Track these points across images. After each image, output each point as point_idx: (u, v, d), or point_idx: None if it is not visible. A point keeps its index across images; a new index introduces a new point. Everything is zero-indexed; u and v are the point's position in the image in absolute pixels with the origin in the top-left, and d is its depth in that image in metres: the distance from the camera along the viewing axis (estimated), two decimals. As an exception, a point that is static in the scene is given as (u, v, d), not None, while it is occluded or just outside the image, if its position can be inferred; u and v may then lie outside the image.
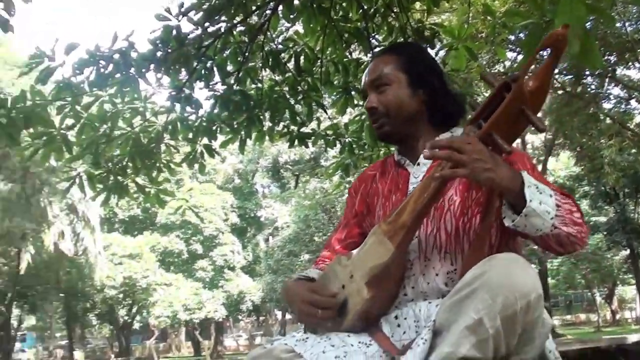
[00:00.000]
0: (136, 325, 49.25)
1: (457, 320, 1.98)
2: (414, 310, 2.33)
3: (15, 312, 42.34)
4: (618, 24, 18.69)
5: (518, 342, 1.99)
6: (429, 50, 6.21)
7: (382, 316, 2.38)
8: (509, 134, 2.14)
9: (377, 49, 5.82)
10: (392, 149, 2.78)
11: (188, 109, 6.24)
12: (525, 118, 2.09)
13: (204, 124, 6.36)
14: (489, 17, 6.29)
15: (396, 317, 2.36)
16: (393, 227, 2.26)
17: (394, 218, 2.27)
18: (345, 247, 2.70)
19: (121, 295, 40.02)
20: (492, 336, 1.92)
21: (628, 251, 37.10)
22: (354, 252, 2.45)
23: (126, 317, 45.10)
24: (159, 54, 5.61)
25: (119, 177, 6.40)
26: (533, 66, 2.20)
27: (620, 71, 22.80)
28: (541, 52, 2.24)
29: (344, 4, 6.35)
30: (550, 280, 41.90)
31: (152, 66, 5.64)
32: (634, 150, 21.26)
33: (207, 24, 5.82)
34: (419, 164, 2.54)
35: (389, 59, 2.62)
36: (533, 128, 2.16)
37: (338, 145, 7.19)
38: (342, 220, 2.82)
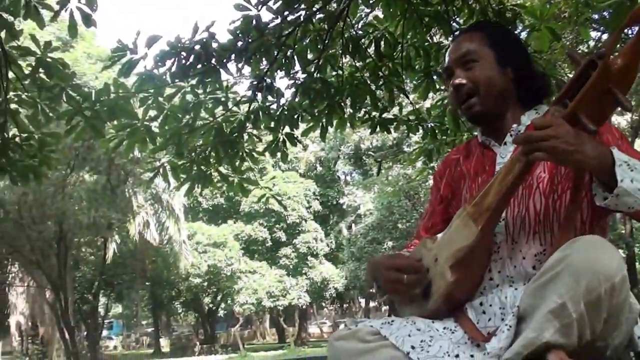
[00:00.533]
0: (221, 313, 49.80)
1: (540, 305, 1.95)
2: (499, 297, 2.29)
3: (102, 300, 43.31)
4: None
5: (604, 327, 1.95)
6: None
7: (467, 301, 2.35)
8: (595, 113, 2.07)
9: (458, 32, 5.76)
10: (475, 133, 2.72)
11: (269, 98, 6.28)
12: (612, 97, 2.01)
13: (286, 112, 6.38)
14: (572, -4, 6.14)
15: (481, 304, 2.32)
16: (478, 209, 2.24)
17: (478, 200, 2.25)
18: (434, 233, 2.64)
19: (206, 284, 40.43)
20: (576, 320, 1.88)
21: None
22: (439, 235, 2.44)
23: (211, 305, 45.62)
24: (239, 44, 5.65)
25: (202, 167, 6.47)
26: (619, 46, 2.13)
27: None
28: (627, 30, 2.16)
29: (424, -13, 6.29)
30: (637, 266, 41.09)
31: (232, 56, 5.67)
32: None
33: (286, 13, 5.83)
34: (505, 144, 2.49)
35: (473, 36, 2.57)
36: (620, 108, 2.08)
37: (420, 131, 7.13)
38: (428, 208, 2.80)
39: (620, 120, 35.09)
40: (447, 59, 2.61)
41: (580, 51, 18.69)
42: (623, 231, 35.01)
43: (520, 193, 2.33)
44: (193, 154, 6.45)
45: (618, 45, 2.12)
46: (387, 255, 2.48)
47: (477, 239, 2.21)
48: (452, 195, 2.65)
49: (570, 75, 2.15)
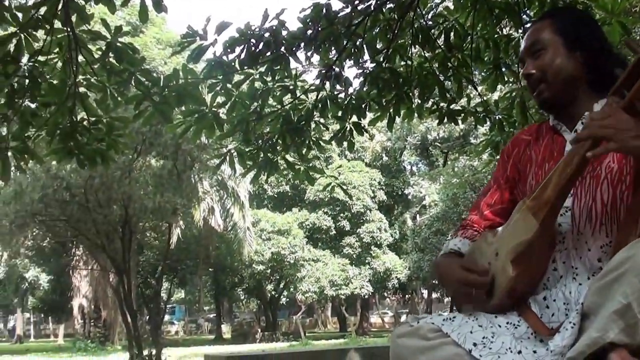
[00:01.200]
0: (283, 300, 49.99)
1: (605, 304, 1.94)
2: (563, 292, 2.27)
3: (165, 285, 43.77)
4: None
5: None
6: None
7: (530, 294, 2.33)
8: None
9: (529, 24, 5.70)
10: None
11: (337, 87, 6.29)
12: None
13: (353, 101, 6.39)
14: (644, -9, 6.05)
15: (545, 298, 2.30)
16: (537, 202, 2.22)
17: (538, 193, 2.24)
18: (494, 212, 2.65)
19: (269, 271, 40.61)
20: None
21: None
22: (500, 229, 2.43)
23: (273, 292, 45.83)
24: (308, 32, 5.66)
25: (269, 154, 6.50)
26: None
27: None
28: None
29: (496, -21, 6.24)
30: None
31: (302, 44, 5.69)
32: None
33: (356, 2, 5.83)
34: (576, 131, 2.44)
35: (544, 24, 2.56)
36: None
37: (488, 123, 7.10)
38: (490, 183, 2.76)
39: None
40: (520, 51, 2.62)
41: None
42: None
43: (588, 183, 2.32)
44: (260, 141, 6.50)
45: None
46: (457, 262, 2.44)
47: (537, 232, 2.20)
48: (518, 178, 2.62)
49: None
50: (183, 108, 5.87)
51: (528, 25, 2.57)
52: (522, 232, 2.24)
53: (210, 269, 43.80)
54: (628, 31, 5.80)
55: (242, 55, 5.60)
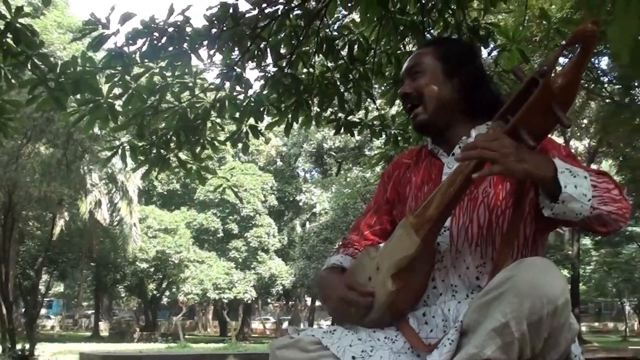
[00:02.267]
0: (164, 301, 49.60)
1: (484, 322, 1.98)
2: (442, 310, 2.32)
3: (44, 277, 42.83)
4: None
5: (544, 346, 2.00)
6: (482, 49, 6.19)
7: (409, 311, 2.38)
8: (536, 129, 2.12)
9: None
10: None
11: (237, 88, 6.25)
12: (553, 114, 2.06)
13: (252, 104, 6.35)
14: (544, 22, 6.22)
15: (424, 314, 2.35)
16: (420, 220, 2.25)
17: (421, 211, 2.26)
18: (374, 233, 2.71)
19: (152, 269, 40.30)
20: (517, 339, 1.93)
21: (662, 264, 37.18)
22: (382, 244, 2.47)
23: (155, 292, 45.46)
24: (213, 31, 5.61)
25: (162, 151, 6.42)
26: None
27: (671, 85, 22.69)
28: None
29: (402, -3, 6.32)
30: (581, 287, 41.90)
31: (205, 42, 5.64)
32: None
33: (264, 5, 5.82)
34: (453, 154, 2.52)
35: (427, 49, 2.67)
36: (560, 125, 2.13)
37: (383, 136, 7.18)
38: (371, 204, 2.82)
39: (578, 145, 35.64)
40: (402, 71, 2.69)
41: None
42: (570, 252, 35.67)
43: (466, 205, 2.38)
44: (154, 136, 6.40)
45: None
46: (340, 280, 2.49)
47: (418, 249, 2.24)
48: (398, 200, 2.67)
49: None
50: (78, 96, 5.74)
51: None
52: (403, 248, 2.27)
53: (92, 264, 43.15)
54: (526, 58, 5.95)
55: (144, 48, 5.51)
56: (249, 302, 46.22)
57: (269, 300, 56.52)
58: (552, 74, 2.07)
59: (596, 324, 60.67)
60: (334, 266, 2.63)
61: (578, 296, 35.24)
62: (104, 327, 52.54)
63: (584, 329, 48.79)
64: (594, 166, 35.54)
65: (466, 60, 2.61)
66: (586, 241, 39.90)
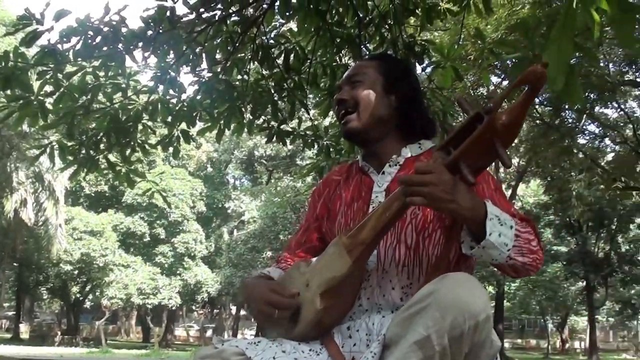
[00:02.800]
0: (87, 304, 48.99)
1: (406, 336, 2.01)
2: (367, 323, 2.35)
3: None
4: (602, 64, 19.05)
5: None
6: (417, 65, 6.25)
7: (335, 326, 2.39)
8: (476, 164, 2.14)
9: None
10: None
11: (171, 91, 6.19)
12: (494, 151, 2.08)
13: (185, 108, 6.31)
14: (479, 41, 6.31)
15: (348, 328, 2.38)
16: (353, 241, 2.26)
17: (354, 232, 2.27)
18: (304, 250, 2.73)
19: (76, 272, 39.68)
20: (438, 353, 1.95)
21: (584, 283, 38.16)
22: (314, 260, 2.47)
23: (78, 295, 44.83)
24: (149, 32, 5.56)
25: (92, 152, 6.34)
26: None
27: (598, 109, 23.25)
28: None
29: (340, 9, 6.35)
30: (505, 303, 42.48)
31: (140, 44, 5.58)
32: (602, 187, 21.73)
33: (202, 10, 5.79)
34: (383, 173, 2.55)
35: (371, 62, 2.71)
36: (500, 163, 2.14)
37: (315, 147, 7.19)
38: (303, 223, 2.84)
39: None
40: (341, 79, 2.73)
41: (479, 93, 19.25)
42: (496, 269, 36.17)
43: (394, 225, 2.38)
44: (84, 137, 6.32)
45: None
46: (265, 283, 2.46)
47: (349, 270, 2.25)
48: (328, 216, 2.68)
49: (463, 117, 2.21)
50: (9, 92, 5.63)
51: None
52: (335, 268, 2.28)
53: (14, 264, 42.24)
54: (460, 76, 6.04)
55: (78, 47, 5.43)
56: (174, 308, 45.86)
57: (193, 308, 56.08)
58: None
59: (519, 340, 61.60)
60: (262, 275, 2.62)
61: (502, 313, 35.74)
62: (24, 330, 51.56)
63: (507, 345, 49.45)
64: (522, 185, 36.22)
65: (406, 79, 2.65)
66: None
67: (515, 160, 34.77)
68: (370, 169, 2.60)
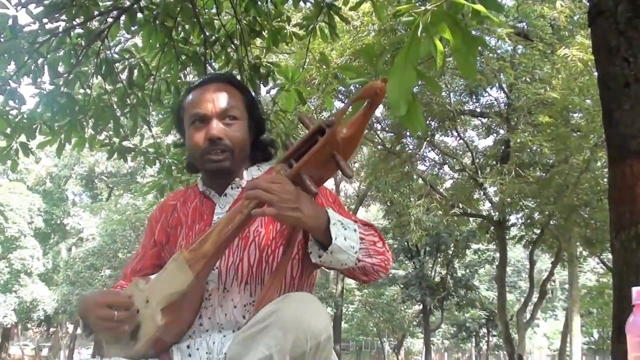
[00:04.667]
0: None
1: (248, 354, 2.02)
2: (207, 342, 2.34)
3: None
4: (443, 94, 19.67)
5: None
6: (261, 87, 6.33)
7: (174, 344, 2.38)
8: (318, 175, 2.21)
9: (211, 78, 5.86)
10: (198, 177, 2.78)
11: (11, 102, 6.04)
12: (335, 163, 2.15)
13: (25, 120, 6.17)
14: (324, 66, 6.45)
15: (188, 347, 2.36)
16: (195, 255, 2.25)
17: (196, 246, 2.26)
18: (141, 278, 2.61)
19: None
20: None
21: (421, 306, 38.86)
22: (153, 277, 2.43)
23: None
24: (-12, 41, 5.44)
25: None
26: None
27: (438, 137, 23.90)
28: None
29: (186, 26, 6.37)
30: (343, 325, 42.89)
31: (-22, 53, 5.45)
32: (439, 212, 22.28)
33: (45, 20, 5.70)
34: (225, 195, 2.57)
35: (233, 91, 2.60)
36: (341, 174, 2.22)
37: (157, 165, 7.14)
38: (139, 250, 2.77)
39: (348, 187, 36.81)
40: (203, 105, 2.54)
41: (323, 117, 19.52)
42: (334, 290, 36.60)
43: (236, 244, 2.41)
44: None
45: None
46: (99, 291, 2.41)
47: (191, 284, 2.24)
48: (166, 241, 2.66)
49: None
50: None
51: (209, 78, 2.57)
52: (176, 283, 2.26)
53: None
54: (303, 100, 6.15)
55: None
56: (8, 326, 44.25)
57: (29, 326, 54.16)
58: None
59: (356, 361, 62.30)
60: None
61: (340, 334, 36.20)
62: None
63: (345, 366, 49.90)
64: (362, 209, 36.87)
65: (257, 108, 2.67)
66: (350, 281, 41.05)
67: (355, 185, 35.42)
68: (212, 192, 2.61)
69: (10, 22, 5.42)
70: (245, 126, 2.56)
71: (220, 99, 2.55)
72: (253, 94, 2.82)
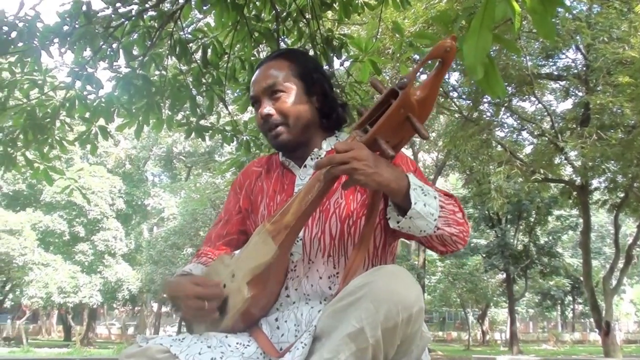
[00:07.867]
0: (7, 304, 47.94)
1: (338, 327, 2.00)
2: (295, 314, 2.34)
3: None
4: (519, 57, 19.32)
5: (396, 353, 2.02)
6: (335, 59, 6.28)
7: (263, 317, 2.39)
8: (394, 139, 2.18)
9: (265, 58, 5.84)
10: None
11: (88, 87, 6.11)
12: (410, 125, 2.11)
13: (103, 104, 6.23)
14: (397, 35, 6.37)
15: (276, 319, 2.37)
16: (277, 226, 2.25)
17: (278, 218, 2.26)
18: (226, 243, 2.70)
19: (-5, 272, 38.92)
20: (371, 345, 1.94)
21: (504, 275, 38.51)
22: (237, 251, 2.46)
23: (-2, 295, 43.89)
24: (65, 28, 5.49)
25: (9, 149, 6.25)
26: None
27: (516, 102, 23.55)
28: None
29: (257, 3, 6.34)
30: (426, 296, 42.75)
31: (56, 40, 5.51)
32: (520, 179, 21.97)
33: (118, 4, 5.73)
34: (305, 167, 2.56)
35: (281, 64, 2.61)
36: (417, 136, 2.18)
37: (235, 142, 7.16)
38: (222, 214, 2.80)
39: (427, 157, 36.60)
40: (253, 87, 2.62)
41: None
42: (416, 262, 36.51)
43: (318, 216, 2.41)
44: (1, 134, 6.23)
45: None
46: (188, 278, 2.38)
47: (274, 255, 2.23)
48: (251, 209, 2.67)
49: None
50: None
51: (264, 59, 2.57)
52: (260, 255, 2.26)
53: None
54: (378, 70, 6.08)
55: (-8, 43, 5.35)
56: (95, 306, 45.23)
57: (114, 305, 55.33)
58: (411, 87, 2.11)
59: (440, 333, 61.90)
60: (183, 273, 2.55)
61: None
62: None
63: (428, 337, 49.80)
64: (440, 179, 36.67)
65: (320, 77, 2.63)
66: (432, 252, 40.59)
67: (434, 154, 35.19)
68: (292, 163, 2.61)
69: (84, 8, 5.46)
70: (298, 94, 2.55)
71: (265, 78, 2.59)
72: (310, 61, 2.75)
